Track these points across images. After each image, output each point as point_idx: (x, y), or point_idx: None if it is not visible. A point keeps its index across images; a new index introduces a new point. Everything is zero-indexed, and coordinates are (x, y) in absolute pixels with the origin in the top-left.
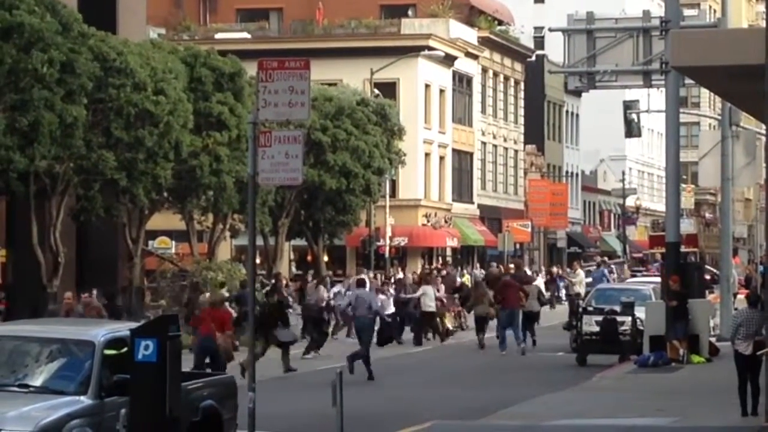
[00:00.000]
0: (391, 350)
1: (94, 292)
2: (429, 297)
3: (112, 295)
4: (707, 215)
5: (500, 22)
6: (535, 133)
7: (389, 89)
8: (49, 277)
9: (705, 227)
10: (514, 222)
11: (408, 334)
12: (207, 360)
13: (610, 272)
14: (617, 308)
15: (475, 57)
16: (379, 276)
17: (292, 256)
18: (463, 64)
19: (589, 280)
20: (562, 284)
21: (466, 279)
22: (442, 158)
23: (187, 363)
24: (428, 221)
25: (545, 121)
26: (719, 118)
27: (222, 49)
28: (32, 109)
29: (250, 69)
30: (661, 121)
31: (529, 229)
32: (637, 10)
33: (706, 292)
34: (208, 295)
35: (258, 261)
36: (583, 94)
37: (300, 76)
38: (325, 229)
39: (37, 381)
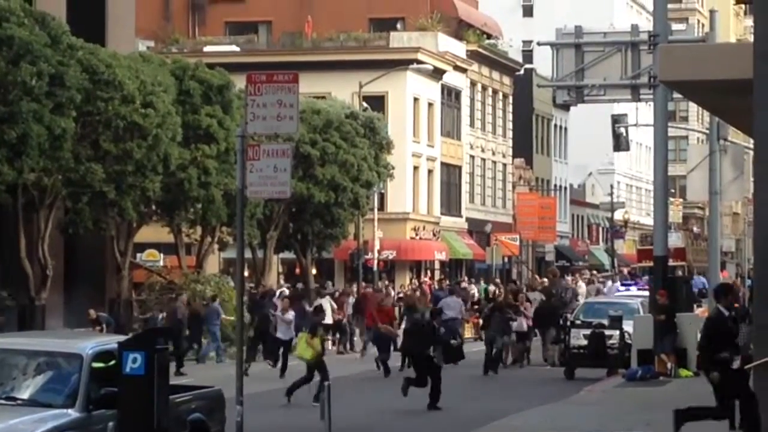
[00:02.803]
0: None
1: None
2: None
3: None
4: (695, 229)
5: (489, 36)
6: (523, 147)
7: (378, 102)
8: (37, 290)
9: (693, 241)
10: (503, 235)
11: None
12: None
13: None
14: (605, 322)
15: (464, 70)
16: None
17: (280, 269)
18: (452, 78)
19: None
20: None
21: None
22: (430, 171)
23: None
24: (416, 235)
25: (533, 134)
26: (707, 132)
27: (211, 61)
28: (21, 121)
29: (239, 82)
30: (649, 135)
31: (518, 243)
32: (626, 24)
33: (694, 305)
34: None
35: (246, 274)
36: (572, 108)
37: (288, 90)
38: (314, 242)
39: (25, 394)
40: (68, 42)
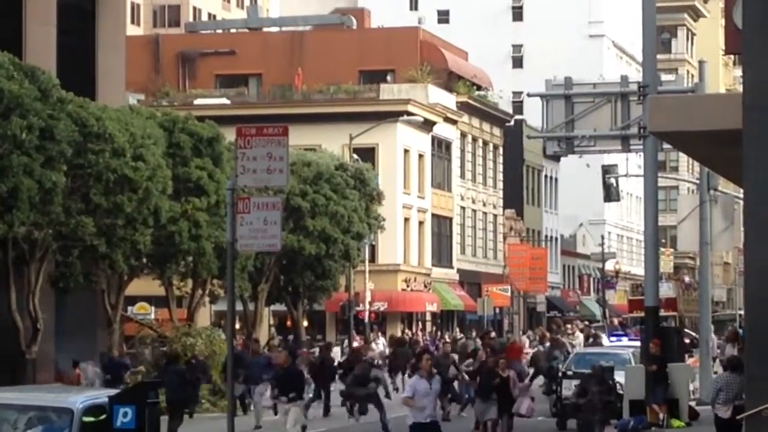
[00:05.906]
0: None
1: None
2: None
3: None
4: (686, 279)
5: (479, 87)
6: (514, 198)
7: (368, 154)
8: (27, 344)
9: (684, 291)
10: (494, 286)
11: None
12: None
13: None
14: None
15: (454, 122)
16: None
17: (271, 322)
18: (442, 129)
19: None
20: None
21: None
22: (421, 223)
23: None
24: (408, 286)
25: (524, 185)
26: (697, 182)
27: (201, 114)
28: (11, 175)
29: (230, 134)
30: (639, 186)
31: (509, 294)
32: (615, 75)
33: (686, 356)
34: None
35: (237, 326)
36: (562, 159)
37: (278, 143)
38: (305, 295)
39: None
40: (58, 95)
